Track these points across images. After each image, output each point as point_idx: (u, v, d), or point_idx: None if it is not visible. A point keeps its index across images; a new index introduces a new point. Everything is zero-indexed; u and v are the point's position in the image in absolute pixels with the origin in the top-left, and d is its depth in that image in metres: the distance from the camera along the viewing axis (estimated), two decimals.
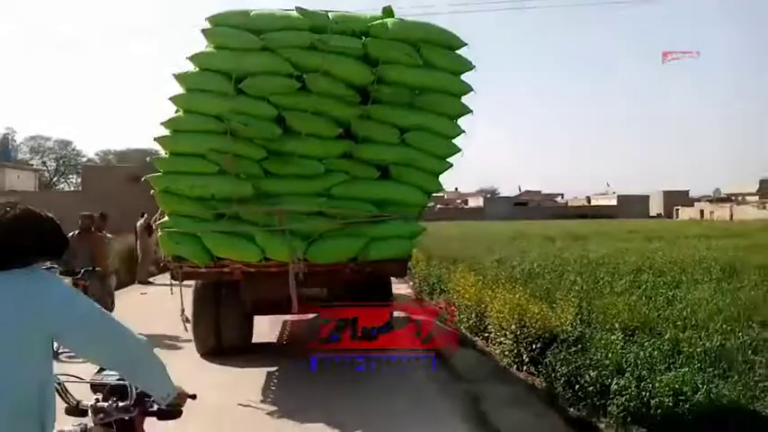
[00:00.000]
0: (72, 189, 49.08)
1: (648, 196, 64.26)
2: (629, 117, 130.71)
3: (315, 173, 5.82)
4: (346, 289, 6.31)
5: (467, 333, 8.06)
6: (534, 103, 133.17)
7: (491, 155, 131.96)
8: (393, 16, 6.09)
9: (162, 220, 5.94)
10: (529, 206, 64.17)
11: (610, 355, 4.80)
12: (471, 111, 6.22)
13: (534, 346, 5.75)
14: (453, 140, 6.20)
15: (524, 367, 6.05)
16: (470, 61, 6.14)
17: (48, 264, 1.90)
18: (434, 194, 6.93)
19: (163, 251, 6.01)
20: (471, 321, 7.97)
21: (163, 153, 6.05)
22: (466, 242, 16.11)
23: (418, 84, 5.99)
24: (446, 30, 6.11)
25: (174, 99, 5.78)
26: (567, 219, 45.08)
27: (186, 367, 6.25)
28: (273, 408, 5.32)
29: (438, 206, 56.80)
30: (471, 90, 6.17)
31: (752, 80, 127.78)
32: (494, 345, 6.97)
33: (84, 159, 57.37)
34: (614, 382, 4.44)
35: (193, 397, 2.15)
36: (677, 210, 56.84)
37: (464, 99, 6.21)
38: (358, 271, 5.98)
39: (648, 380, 4.32)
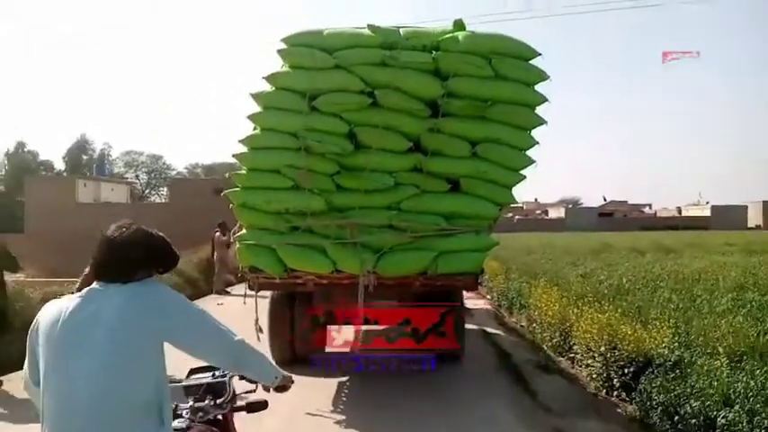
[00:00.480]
0: (162, 201, 52.19)
1: (746, 206, 59.89)
2: (723, 123, 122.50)
3: (385, 187, 5.88)
4: (416, 302, 6.32)
5: (550, 353, 7.72)
6: (619, 112, 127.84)
7: (573, 164, 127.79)
8: (464, 29, 6.09)
9: (240, 233, 6.20)
10: (614, 217, 61.51)
11: (714, 383, 4.31)
12: (545, 122, 6.09)
13: (626, 371, 5.39)
14: (526, 152, 6.09)
15: (614, 392, 5.70)
16: (544, 71, 6.02)
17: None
18: (508, 206, 6.81)
19: (240, 262, 6.27)
20: (555, 340, 7.57)
21: (242, 168, 6.32)
22: (547, 255, 15.38)
23: (489, 96, 5.93)
24: (518, 40, 6.03)
25: (251, 117, 6.05)
26: (655, 230, 42.83)
27: None
28: (342, 417, 5.39)
29: (517, 217, 55.61)
30: (545, 100, 6.05)
31: None
32: (580, 366, 6.59)
33: (174, 173, 60.74)
34: (721, 414, 3.99)
35: (291, 380, 2.34)
36: None
37: (540, 110, 6.10)
38: (428, 284, 5.98)
39: (763, 414, 3.81)
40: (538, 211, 70.46)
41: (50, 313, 1.95)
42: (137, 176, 62.52)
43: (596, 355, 5.98)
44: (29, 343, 2.00)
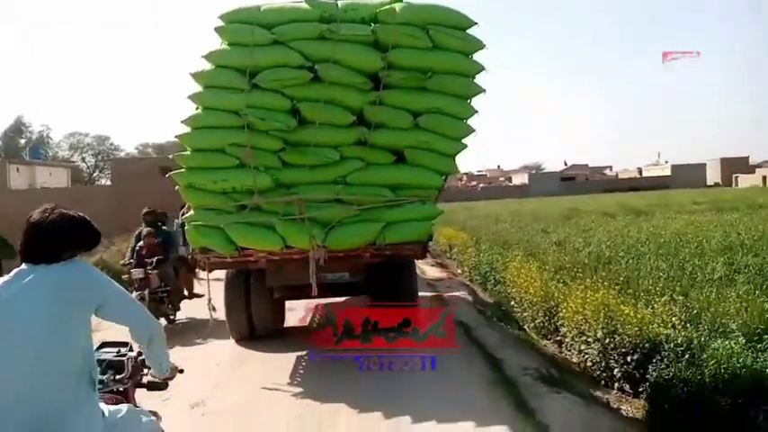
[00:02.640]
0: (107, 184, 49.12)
1: (705, 164, 61.58)
2: (676, 82, 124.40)
3: (331, 161, 5.94)
4: (368, 273, 6.45)
5: (533, 335, 7.12)
6: (573, 77, 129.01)
7: (534, 130, 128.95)
8: (401, 1, 6.11)
9: (188, 215, 6.21)
10: (577, 181, 62.58)
11: (740, 371, 3.84)
12: (484, 90, 6.21)
13: (629, 359, 4.76)
14: (467, 121, 6.22)
15: (615, 384, 5.10)
16: (481, 40, 6.12)
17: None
18: (453, 175, 6.96)
19: (190, 243, 6.28)
20: (538, 321, 6.92)
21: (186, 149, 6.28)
22: (516, 222, 14.94)
23: (429, 66, 6.00)
24: (455, 10, 6.09)
25: (192, 97, 6.01)
26: (618, 192, 43.77)
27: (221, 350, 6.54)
28: (299, 390, 5.51)
29: (481, 185, 56.20)
30: (483, 69, 6.16)
31: None
32: (569, 351, 6.10)
33: (122, 154, 56.36)
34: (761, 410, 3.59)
35: (181, 371, 2.62)
36: (736, 177, 54.32)
37: (485, 77, 6.21)
38: (377, 255, 6.11)
39: None
40: (501, 178, 71.30)
41: None
42: (83, 159, 58.46)
43: (591, 340, 5.36)
44: None
